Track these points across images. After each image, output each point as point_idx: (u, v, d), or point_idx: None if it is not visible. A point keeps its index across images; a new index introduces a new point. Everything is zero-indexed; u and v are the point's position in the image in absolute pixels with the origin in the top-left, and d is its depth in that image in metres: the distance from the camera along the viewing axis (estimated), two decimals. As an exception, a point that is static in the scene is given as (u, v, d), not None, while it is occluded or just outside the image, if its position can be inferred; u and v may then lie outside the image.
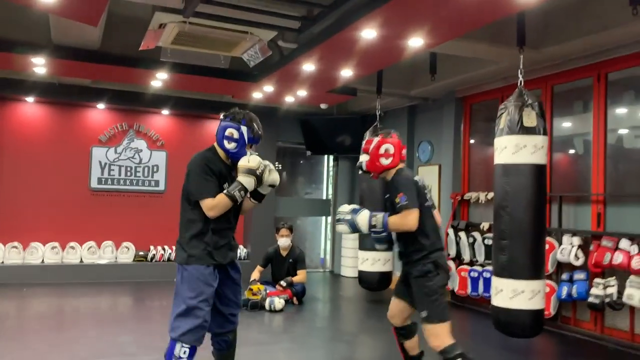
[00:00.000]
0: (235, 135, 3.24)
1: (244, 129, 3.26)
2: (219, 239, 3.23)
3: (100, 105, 8.54)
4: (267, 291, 6.59)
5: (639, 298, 4.86)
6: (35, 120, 8.33)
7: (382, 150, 3.59)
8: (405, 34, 4.59)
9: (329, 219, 10.49)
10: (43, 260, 8.07)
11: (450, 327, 3.41)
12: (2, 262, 7.87)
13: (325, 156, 10.54)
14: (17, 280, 7.67)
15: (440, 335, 3.37)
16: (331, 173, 10.52)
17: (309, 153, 9.77)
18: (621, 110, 5.70)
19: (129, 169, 8.78)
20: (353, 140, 8.97)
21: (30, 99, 8.16)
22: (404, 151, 3.69)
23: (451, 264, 7.12)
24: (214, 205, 3.12)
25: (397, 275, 8.07)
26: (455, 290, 6.98)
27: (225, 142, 3.24)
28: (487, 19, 4.31)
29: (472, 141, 7.46)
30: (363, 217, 3.51)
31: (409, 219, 3.34)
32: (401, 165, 3.64)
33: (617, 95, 5.64)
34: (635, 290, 4.91)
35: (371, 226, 3.46)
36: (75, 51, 6.07)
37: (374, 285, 7.15)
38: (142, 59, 6.34)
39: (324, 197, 10.75)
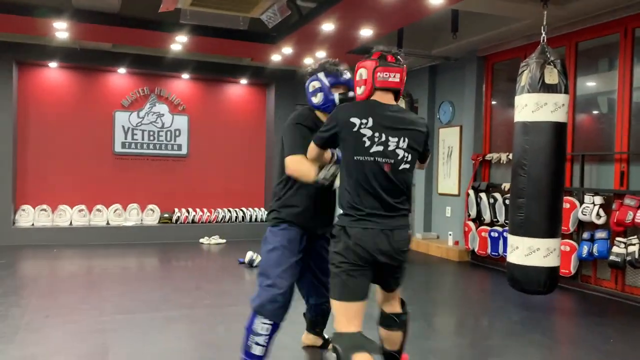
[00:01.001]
0: (317, 85, 3.10)
1: (321, 75, 3.11)
2: None
3: (122, 70, 8.62)
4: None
5: (660, 256, 4.85)
6: (58, 85, 8.45)
7: (357, 77, 2.72)
8: (425, -10, 4.51)
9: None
10: (71, 222, 8.33)
11: (354, 312, 2.56)
12: (33, 225, 8.14)
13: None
14: (46, 241, 7.94)
15: (335, 315, 2.60)
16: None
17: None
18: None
19: (151, 133, 8.90)
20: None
21: (53, 65, 8.28)
22: (383, 75, 2.62)
23: (472, 224, 7.15)
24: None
25: (417, 235, 8.13)
26: (476, 250, 7.03)
27: (313, 99, 3.11)
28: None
29: (493, 102, 7.37)
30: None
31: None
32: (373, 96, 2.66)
33: (645, 52, 5.50)
34: (657, 248, 4.89)
35: None
36: (95, 15, 6.10)
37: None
38: (161, 21, 6.36)
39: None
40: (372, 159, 2.57)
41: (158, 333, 4.05)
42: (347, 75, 3.16)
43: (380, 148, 2.57)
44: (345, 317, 2.55)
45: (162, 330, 4.12)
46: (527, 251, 4.50)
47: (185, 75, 8.96)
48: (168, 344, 3.82)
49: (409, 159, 2.63)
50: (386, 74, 2.62)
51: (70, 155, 8.45)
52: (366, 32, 5.96)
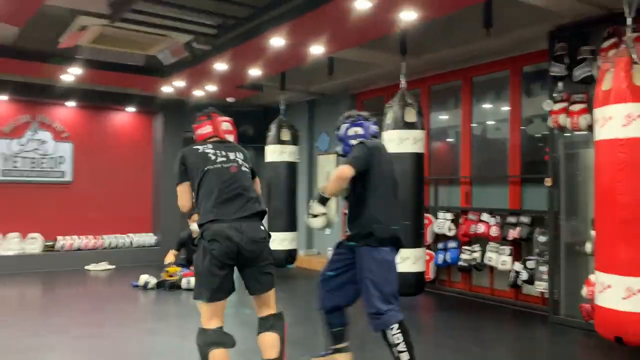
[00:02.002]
0: (360, 131, 3.64)
1: (367, 124, 3.69)
2: None
3: (3, 97, 8.46)
4: (183, 272, 7.13)
5: (495, 259, 6.09)
6: None
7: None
8: (308, 42, 5.36)
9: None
10: (-56, 254, 7.95)
11: (212, 312, 2.99)
12: None
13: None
14: None
15: (200, 313, 3.03)
16: (236, 162, 11.10)
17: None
18: (484, 107, 6.91)
19: (33, 160, 8.79)
20: (256, 131, 9.65)
21: None
22: (198, 129, 3.52)
23: (348, 241, 8.08)
24: None
25: (300, 253, 8.91)
26: (352, 264, 7.95)
27: (352, 141, 3.60)
28: (374, 35, 5.21)
29: (364, 132, 8.44)
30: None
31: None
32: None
33: (480, 94, 6.84)
34: (493, 253, 6.13)
35: None
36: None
37: (281, 262, 7.91)
38: (55, 54, 6.54)
39: (229, 185, 11.31)
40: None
41: (73, 352, 4.33)
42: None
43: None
44: (206, 315, 2.97)
45: (76, 349, 4.40)
46: (399, 260, 5.45)
47: (71, 103, 9.01)
48: None
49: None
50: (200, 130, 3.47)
51: (-58, 184, 8.09)
52: (255, 72, 6.69)
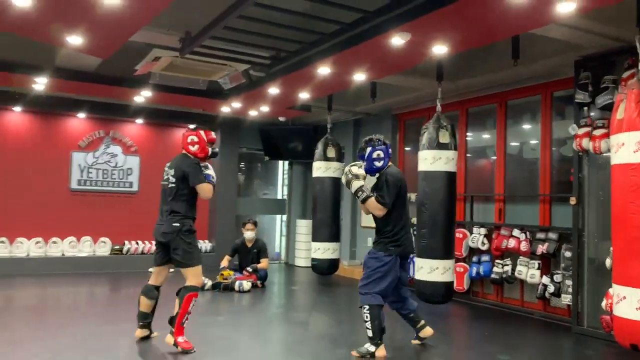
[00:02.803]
0: (382, 154, 4.82)
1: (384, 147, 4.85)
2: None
3: (81, 115, 9.52)
4: (236, 276, 7.84)
5: (525, 273, 6.46)
6: (20, 127, 9.22)
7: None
8: (351, 71, 5.99)
9: (284, 217, 11.82)
10: (28, 253, 8.99)
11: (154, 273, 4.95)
12: (-9, 256, 8.75)
13: (281, 161, 11.86)
14: (4, 271, 8.56)
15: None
16: (286, 176, 11.85)
17: (267, 158, 11.07)
18: (518, 128, 7.32)
19: (105, 171, 9.80)
20: (305, 148, 10.34)
21: (17, 109, 9.05)
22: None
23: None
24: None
25: (344, 262, 9.46)
26: (392, 274, 8.44)
27: (376, 162, 4.78)
28: (409, 65, 5.78)
29: (406, 149, 8.97)
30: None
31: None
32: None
33: (516, 117, 7.26)
34: (523, 267, 6.51)
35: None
36: (74, 73, 7.11)
37: (324, 270, 8.50)
38: (130, 79, 7.44)
39: (279, 197, 12.07)
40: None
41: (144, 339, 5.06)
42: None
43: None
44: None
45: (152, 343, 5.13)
46: (429, 270, 5.94)
47: (139, 120, 9.98)
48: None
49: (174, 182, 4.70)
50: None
51: (29, 191, 9.16)
52: (304, 95, 7.37)
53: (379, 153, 4.71)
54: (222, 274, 7.82)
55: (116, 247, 9.70)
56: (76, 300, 7.36)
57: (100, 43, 5.27)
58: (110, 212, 9.78)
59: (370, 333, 4.46)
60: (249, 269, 8.04)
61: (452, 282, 6.00)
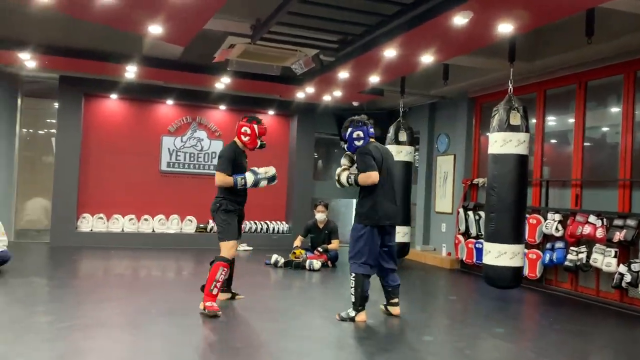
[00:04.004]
0: (361, 134, 5.04)
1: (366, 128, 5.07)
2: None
3: (170, 102, 10.21)
4: (307, 255, 8.13)
5: (601, 261, 6.19)
6: (116, 113, 10.06)
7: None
8: (417, 52, 6.00)
9: (360, 201, 11.97)
10: (123, 229, 9.83)
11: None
12: (91, 230, 9.66)
13: (358, 146, 11.97)
14: (102, 244, 9.43)
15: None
16: (362, 161, 11.95)
17: (342, 143, 11.21)
18: (598, 110, 6.96)
19: (192, 155, 10.45)
20: (380, 133, 10.36)
21: (113, 96, 9.89)
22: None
23: (461, 238, 8.50)
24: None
25: (416, 247, 9.46)
26: (464, 259, 8.37)
27: (356, 142, 5.04)
28: (477, 45, 5.69)
29: (481, 134, 8.79)
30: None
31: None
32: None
33: (597, 99, 6.91)
34: (599, 255, 6.23)
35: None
36: (159, 61, 7.67)
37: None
38: (210, 66, 7.90)
39: (356, 182, 12.22)
40: None
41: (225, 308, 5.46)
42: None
43: None
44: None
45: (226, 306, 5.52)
46: (497, 254, 5.86)
47: (222, 107, 10.53)
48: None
49: None
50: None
51: (124, 172, 9.99)
52: (374, 79, 7.45)
53: (358, 133, 4.96)
54: (294, 253, 8.14)
55: (201, 225, 10.33)
56: (164, 271, 7.99)
57: (177, 31, 5.68)
58: (196, 193, 10.42)
59: (353, 299, 4.81)
60: (320, 249, 8.30)
61: (520, 267, 5.87)
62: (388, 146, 8.40)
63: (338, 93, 8.61)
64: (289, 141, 11.20)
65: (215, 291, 4.88)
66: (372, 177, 4.77)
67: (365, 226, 4.82)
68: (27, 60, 7.60)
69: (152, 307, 5.16)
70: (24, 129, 10.24)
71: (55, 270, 7.45)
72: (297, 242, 8.50)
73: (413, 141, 8.47)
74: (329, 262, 8.28)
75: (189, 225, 10.29)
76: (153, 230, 10.03)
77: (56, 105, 9.61)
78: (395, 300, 5.13)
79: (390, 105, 10.31)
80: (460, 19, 4.81)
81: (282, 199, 11.08)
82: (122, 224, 9.86)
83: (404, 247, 8.47)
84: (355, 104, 9.90)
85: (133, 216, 9.94)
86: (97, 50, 7.54)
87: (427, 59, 6.23)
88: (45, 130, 10.88)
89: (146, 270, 7.95)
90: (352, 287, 4.80)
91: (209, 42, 7.15)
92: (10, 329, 4.17)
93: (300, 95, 9.14)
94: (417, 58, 6.22)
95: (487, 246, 5.92)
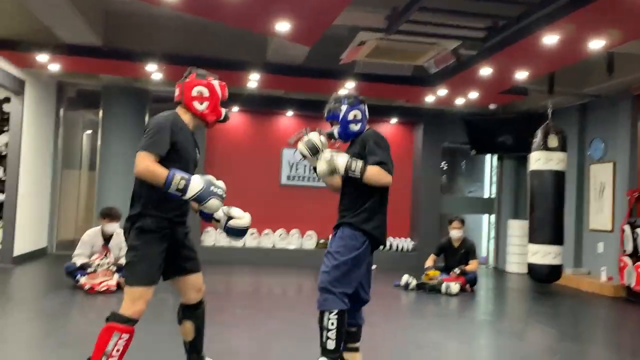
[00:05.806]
0: (359, 115, 3.54)
1: (363, 106, 3.55)
2: None
3: (289, 113, 9.89)
4: (442, 277, 7.25)
5: None
6: (237, 126, 9.91)
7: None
8: (587, 37, 5.00)
9: (492, 217, 10.84)
10: (244, 244, 9.58)
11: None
12: (214, 244, 9.51)
13: (488, 155, 10.90)
14: (224, 259, 9.20)
15: None
16: (494, 172, 10.85)
17: (473, 152, 10.20)
18: None
19: (311, 167, 10.00)
20: (518, 139, 9.25)
21: (234, 109, 9.75)
22: None
23: (628, 260, 7.17)
24: None
25: (566, 270, 8.21)
26: (632, 286, 7.02)
27: (352, 125, 3.55)
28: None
29: (650, 138, 7.44)
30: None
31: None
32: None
33: None
34: None
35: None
36: (283, 67, 7.29)
37: (543, 277, 7.44)
38: (334, 71, 7.38)
39: (486, 196, 11.11)
40: None
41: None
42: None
43: None
44: None
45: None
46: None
47: (343, 116, 9.99)
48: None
49: None
50: None
51: (244, 185, 9.75)
52: (521, 75, 6.49)
53: (355, 114, 3.50)
54: (427, 274, 7.31)
55: (321, 240, 9.83)
56: (285, 290, 7.52)
57: (306, 28, 5.19)
58: (315, 207, 9.95)
59: (332, 345, 3.31)
60: (457, 270, 7.38)
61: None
62: (535, 153, 7.37)
63: (474, 94, 7.72)
64: (413, 152, 10.41)
65: None
66: (389, 176, 3.42)
67: (364, 242, 3.42)
68: (154, 72, 7.55)
69: (286, 331, 4.63)
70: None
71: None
72: (429, 261, 7.65)
73: (565, 147, 7.34)
74: (468, 286, 7.33)
75: (309, 241, 9.83)
76: (273, 246, 9.68)
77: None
78: (357, 344, 3.61)
79: (529, 108, 9.17)
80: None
81: (406, 213, 10.29)
82: (244, 238, 9.59)
83: (555, 270, 7.32)
84: (492, 106, 8.91)
85: (254, 230, 9.68)
86: (222, 60, 7.32)
87: (596, 44, 5.20)
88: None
89: (270, 288, 7.52)
90: (330, 330, 3.32)
91: (334, 44, 6.66)
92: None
93: (429, 99, 8.35)
94: (584, 44, 5.21)
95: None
